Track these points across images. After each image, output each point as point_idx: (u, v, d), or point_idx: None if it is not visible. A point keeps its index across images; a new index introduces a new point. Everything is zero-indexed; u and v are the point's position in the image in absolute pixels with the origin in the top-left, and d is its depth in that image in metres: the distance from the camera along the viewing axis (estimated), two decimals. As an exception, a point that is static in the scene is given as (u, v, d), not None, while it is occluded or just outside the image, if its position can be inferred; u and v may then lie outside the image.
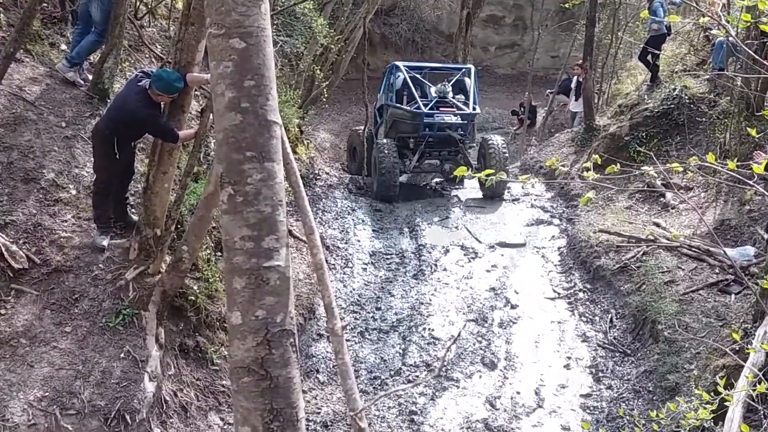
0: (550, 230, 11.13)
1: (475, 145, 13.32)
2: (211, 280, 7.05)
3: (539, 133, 16.69)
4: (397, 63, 13.48)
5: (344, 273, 9.69)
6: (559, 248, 10.45)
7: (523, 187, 12.75)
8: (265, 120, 2.17)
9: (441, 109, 12.56)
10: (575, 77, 15.23)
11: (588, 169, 4.18)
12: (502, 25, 24.58)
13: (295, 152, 12.22)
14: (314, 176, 12.74)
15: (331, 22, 14.72)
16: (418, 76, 13.43)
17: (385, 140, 12.57)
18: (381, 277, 9.69)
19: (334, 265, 9.79)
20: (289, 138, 11.87)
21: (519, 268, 10.02)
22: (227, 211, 2.16)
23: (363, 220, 11.39)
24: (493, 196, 12.50)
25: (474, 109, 12.76)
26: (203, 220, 5.99)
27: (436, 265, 9.98)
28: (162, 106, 6.06)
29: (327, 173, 13.38)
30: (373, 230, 11.05)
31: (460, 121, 12.59)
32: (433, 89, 13.11)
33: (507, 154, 12.64)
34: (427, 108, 12.50)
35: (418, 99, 12.71)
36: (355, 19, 15.21)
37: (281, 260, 2.15)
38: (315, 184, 12.44)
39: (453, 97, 12.92)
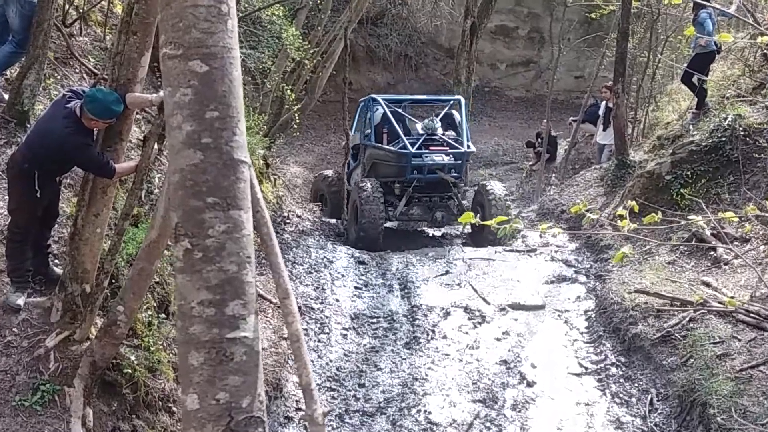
0: (574, 289, 11.15)
1: (468, 188, 13.82)
2: (152, 349, 7.01)
3: (560, 169, 16.86)
4: (375, 96, 13.93)
5: (319, 340, 9.65)
6: (585, 312, 10.47)
7: (541, 236, 12.83)
8: (230, 159, 2.21)
9: (430, 148, 13.05)
10: (604, 102, 15.46)
11: (622, 217, 4.25)
12: (515, 38, 25.03)
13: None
14: (283, 220, 12.78)
15: (304, 32, 14.96)
16: (399, 110, 14.01)
17: (367, 181, 12.88)
18: (365, 345, 9.65)
19: (306, 330, 9.75)
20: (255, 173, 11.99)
21: (536, 336, 10.00)
22: (183, 269, 2.17)
23: (343, 275, 11.38)
24: (483, 246, 12.86)
25: (468, 147, 13.22)
26: (144, 273, 5.99)
27: (433, 331, 9.96)
28: (95, 133, 6.11)
29: (299, 216, 13.43)
30: (356, 287, 11.03)
31: (453, 162, 13.06)
32: (419, 125, 13.71)
33: (509, 204, 13.21)
34: (414, 147, 12.92)
35: (403, 137, 13.16)
36: (335, 28, 15.45)
37: (249, 331, 2.16)
38: (284, 230, 12.48)
39: (443, 134, 13.49)
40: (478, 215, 12.99)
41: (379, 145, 13.37)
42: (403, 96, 16.37)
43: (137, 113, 7.83)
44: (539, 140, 17.89)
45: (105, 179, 6.14)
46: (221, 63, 2.21)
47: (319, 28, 15.52)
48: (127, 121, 6.16)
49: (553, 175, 16.69)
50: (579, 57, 22.65)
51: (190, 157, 2.18)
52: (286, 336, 9.24)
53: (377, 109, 13.76)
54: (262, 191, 12.40)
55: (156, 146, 6.42)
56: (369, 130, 13.73)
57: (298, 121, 14.55)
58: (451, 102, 14.32)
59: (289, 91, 13.96)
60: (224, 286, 2.16)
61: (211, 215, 2.17)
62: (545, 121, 17.56)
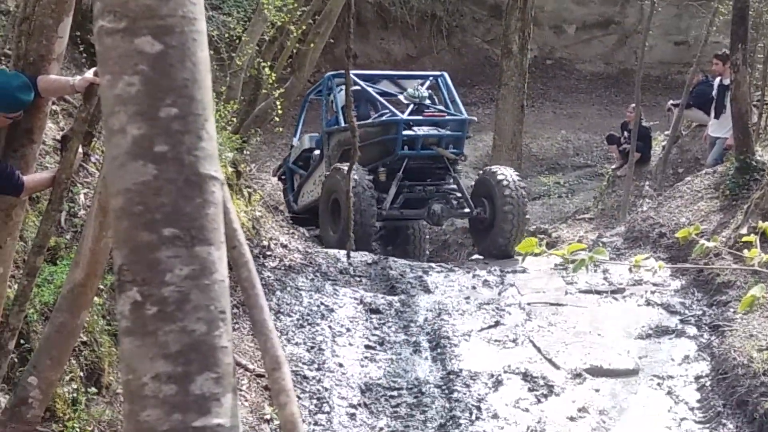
0: (680, 346, 11.12)
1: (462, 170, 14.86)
2: (79, 438, 7.05)
3: (657, 174, 16.85)
4: (335, 73, 14.78)
5: (316, 423, 9.65)
6: (697, 378, 10.43)
7: (631, 271, 12.82)
8: (195, 174, 2.21)
9: (425, 114, 14.28)
10: (718, 79, 15.45)
11: (749, 244, 4.25)
12: (589, -11, 25.12)
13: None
14: (262, 252, 12.81)
15: (289, -16, 15.02)
16: (368, 88, 15.09)
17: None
18: (382, 431, 9.65)
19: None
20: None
21: (627, 414, 9.96)
22: (130, 330, 2.18)
23: (348, 329, 11.39)
24: (503, 256, 13.42)
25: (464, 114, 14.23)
26: (66, 331, 6.02)
27: (479, 408, 9.94)
28: (-5, 131, 6.15)
29: (284, 246, 13.46)
30: (368, 346, 11.04)
31: (453, 132, 14.21)
32: (401, 96, 14.89)
33: (526, 196, 14.10)
34: (406, 114, 14.11)
35: (389, 105, 14.35)
36: (333, -21, 15.52)
37: (224, 416, 2.16)
38: (264, 266, 12.50)
39: (432, 105, 14.73)
40: (482, 210, 14.09)
41: (358, 122, 13.66)
42: (373, 72, 17.48)
43: (53, 103, 7.90)
44: (626, 134, 17.88)
45: (9, 197, 6.17)
46: (181, 40, 2.22)
47: (310, -22, 15.64)
48: (40, 116, 6.19)
49: (647, 182, 16.68)
50: (680, 15, 22.69)
51: (138, 172, 2.18)
52: (268, 418, 9.26)
53: (342, 89, 14.16)
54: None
55: (81, 150, 6.46)
56: (333, 115, 14.80)
57: (280, 110, 14.58)
58: (430, 78, 15.52)
59: (267, 69, 14.01)
60: (189, 354, 2.16)
61: (169, 254, 2.17)
62: (633, 106, 17.54)
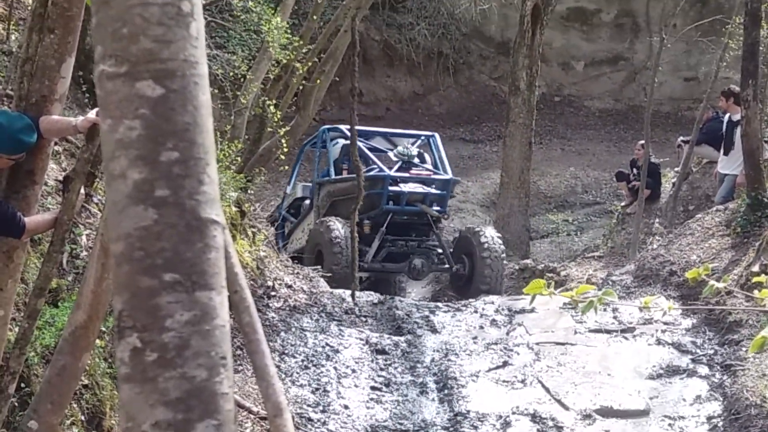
0: (692, 386, 11.10)
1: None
2: (81, 486, 7.03)
3: (667, 212, 16.86)
4: (332, 126, 15.79)
5: (321, 467, 9.65)
6: (709, 419, 10.40)
7: (641, 310, 12.80)
8: (196, 219, 2.22)
9: (411, 172, 15.15)
10: (727, 115, 15.48)
11: (760, 285, 4.26)
12: (597, 24, 25.22)
13: (231, 250, 12.37)
14: (266, 292, 12.83)
15: (294, 24, 15.14)
16: (361, 144, 15.55)
17: (334, 220, 14.20)
18: (388, 475, 9.64)
19: (302, 453, 9.75)
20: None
21: (639, 458, 9.95)
22: (130, 377, 2.19)
23: (354, 370, 11.38)
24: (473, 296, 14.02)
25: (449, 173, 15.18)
26: (67, 374, 6.02)
27: (487, 452, 9.94)
28: (-3, 173, 6.17)
29: (288, 286, 13.47)
30: (373, 387, 11.03)
31: (438, 192, 15.06)
32: (391, 153, 15.80)
33: (504, 255, 15.10)
34: (393, 170, 15.02)
35: (377, 161, 15.24)
36: (338, 17, 15.61)
37: (225, 465, 2.18)
38: (268, 307, 12.51)
39: (421, 163, 15.59)
40: (461, 267, 14.99)
41: (344, 176, 15.04)
42: (366, 128, 18.00)
43: (56, 143, 7.92)
44: (635, 171, 17.90)
45: (10, 239, 6.18)
46: (182, 83, 2.23)
47: (315, 17, 15.67)
48: (42, 156, 6.21)
49: (657, 220, 16.68)
50: (690, 51, 22.73)
51: (139, 217, 2.19)
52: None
53: (336, 142, 15.69)
54: (237, 251, 12.51)
55: (83, 191, 6.49)
56: (325, 167, 15.64)
57: (286, 149, 14.62)
58: (422, 138, 16.54)
59: (272, 107, 14.07)
60: (189, 401, 2.16)
61: (169, 299, 2.18)
62: (642, 143, 17.57)
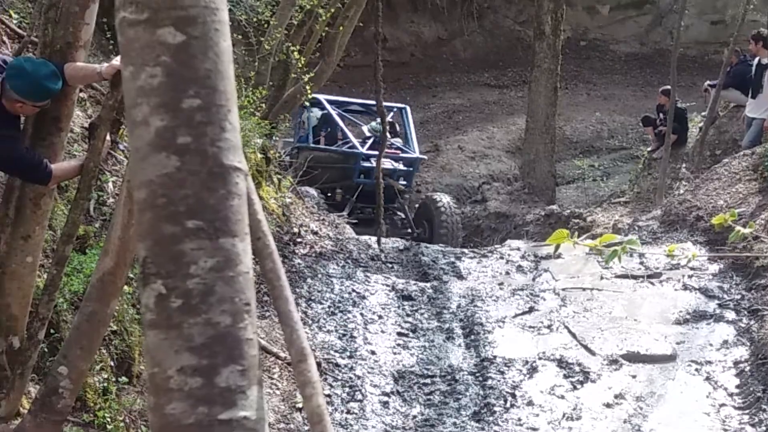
0: (719, 331, 11.08)
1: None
2: (110, 428, 7.07)
3: (693, 157, 16.77)
4: (317, 96, 16.52)
5: (348, 411, 9.68)
6: (736, 364, 10.38)
7: (666, 257, 12.77)
8: (218, 166, 2.22)
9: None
10: (756, 59, 15.33)
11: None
12: (623, -34, 24.94)
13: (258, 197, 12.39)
14: (292, 239, 12.86)
15: (318, -32, 15.00)
16: (339, 113, 17.71)
17: (309, 189, 15.37)
18: (415, 418, 9.65)
19: (330, 396, 9.80)
20: (250, 171, 12.06)
21: (665, 401, 9.93)
22: (155, 323, 2.20)
23: (380, 316, 11.42)
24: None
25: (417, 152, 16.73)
26: (96, 320, 6.07)
27: (513, 395, 9.94)
28: (22, 120, 6.19)
29: (314, 232, 13.51)
30: (400, 333, 11.06)
31: (404, 168, 16.67)
32: (365, 127, 17.62)
33: (459, 219, 16.84)
34: (365, 148, 16.51)
35: (351, 137, 16.77)
36: (362, -39, 15.50)
37: (250, 409, 2.17)
38: (294, 253, 12.55)
39: (392, 137, 17.00)
40: (422, 231, 16.59)
41: (323, 146, 16.70)
42: (345, 99, 19.67)
43: (81, 90, 7.93)
44: (661, 116, 17.79)
45: (37, 186, 6.21)
46: (203, 30, 2.22)
47: (339, -38, 15.59)
48: (68, 103, 6.22)
49: (684, 165, 16.59)
50: (717, -7, 22.47)
51: (161, 164, 2.19)
52: (300, 407, 9.28)
53: (314, 111, 17.14)
54: (262, 198, 12.52)
55: (109, 138, 6.49)
56: (305, 133, 17.18)
57: (310, 95, 14.61)
58: (395, 110, 17.93)
59: (296, 53, 14.02)
60: (214, 347, 2.17)
61: (192, 246, 2.18)
62: (663, 89, 17.44)
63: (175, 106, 2.21)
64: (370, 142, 16.86)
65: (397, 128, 17.93)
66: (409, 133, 17.63)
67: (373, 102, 19.29)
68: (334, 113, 17.31)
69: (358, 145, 16.67)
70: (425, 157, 17.48)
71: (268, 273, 2.48)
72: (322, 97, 17.22)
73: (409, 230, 16.87)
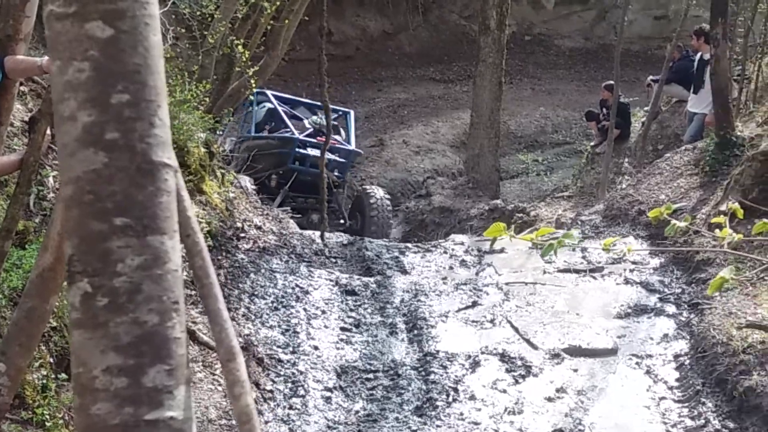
0: (659, 325, 11.17)
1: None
2: (49, 426, 7.02)
3: (636, 151, 16.90)
4: (257, 91, 16.98)
5: (290, 407, 9.65)
6: (676, 357, 10.47)
7: (606, 251, 12.84)
8: (147, 162, 2.20)
9: (318, 138, 16.74)
10: (698, 54, 15.45)
11: (720, 226, 4.26)
12: (567, -39, 25.08)
13: (201, 192, 12.29)
14: (236, 233, 12.80)
15: (262, -40, 14.93)
16: (283, 108, 18.11)
17: (243, 177, 15.41)
18: (357, 413, 9.65)
19: (272, 392, 9.76)
20: (190, 167, 12.03)
21: (606, 394, 9.99)
22: (81, 322, 2.17)
23: (324, 311, 11.41)
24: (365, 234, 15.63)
25: (353, 146, 17.44)
26: (35, 316, 6.00)
27: (456, 389, 9.96)
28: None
29: (258, 228, 13.46)
30: (343, 328, 11.06)
31: (340, 159, 17.14)
32: (306, 121, 17.85)
33: (390, 213, 17.39)
34: (302, 136, 16.98)
35: (290, 125, 17.23)
36: (307, -46, 15.45)
37: (177, 409, 2.15)
38: (237, 248, 12.49)
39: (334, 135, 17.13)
40: (354, 223, 17.05)
41: (262, 135, 17.33)
42: (292, 97, 20.02)
43: (21, 84, 7.85)
44: (604, 110, 17.91)
45: (-25, 182, 6.16)
46: (133, 24, 2.20)
47: (284, -46, 15.54)
48: (8, 97, 6.18)
49: (626, 159, 16.71)
50: (660, -12, 22.66)
51: (88, 160, 2.17)
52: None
53: (264, 106, 17.54)
54: (206, 192, 12.48)
55: (49, 132, 6.43)
56: (250, 126, 17.60)
57: (254, 89, 14.56)
58: (340, 113, 18.55)
59: (240, 47, 13.96)
60: (140, 346, 2.15)
61: (120, 244, 2.16)
62: (606, 84, 17.57)
63: (104, 102, 2.18)
64: (308, 131, 17.26)
65: (340, 129, 18.32)
66: (349, 136, 18.04)
67: (318, 102, 20.23)
68: (279, 108, 17.64)
69: (295, 131, 17.10)
70: (361, 151, 18.02)
71: (197, 270, 2.46)
72: (269, 93, 17.88)
73: (342, 221, 17.31)
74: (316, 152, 16.05)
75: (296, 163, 16.71)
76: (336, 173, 16.98)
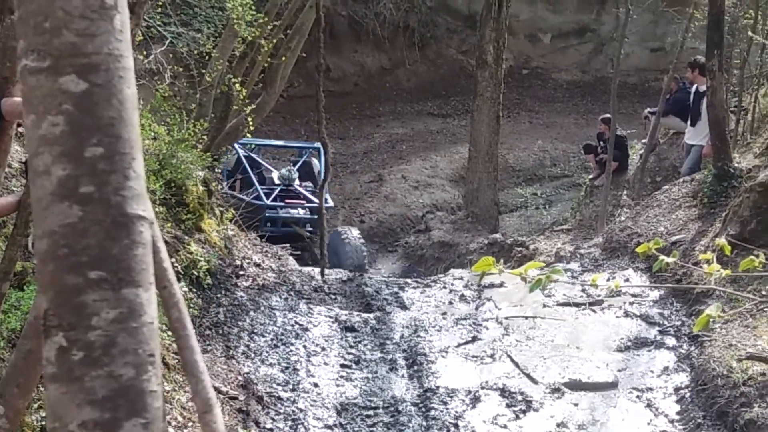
0: (660, 358, 11.15)
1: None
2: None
3: (634, 183, 16.90)
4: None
5: (290, 446, 9.65)
6: (677, 390, 10.45)
7: (608, 280, 12.83)
8: (122, 215, 2.20)
9: (286, 200, 17.59)
10: (695, 86, 15.49)
11: (708, 262, 4.26)
12: (564, -4, 25.18)
13: (200, 230, 12.32)
14: (235, 271, 12.81)
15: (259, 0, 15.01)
16: (255, 156, 18.83)
17: None
18: (357, 452, 9.65)
19: (272, 430, 9.74)
20: (188, 206, 12.05)
21: (607, 429, 9.96)
22: (56, 377, 2.17)
23: (323, 348, 11.39)
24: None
25: (326, 201, 16.93)
26: (33, 358, 5.96)
27: (456, 426, 9.93)
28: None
29: (257, 264, 13.47)
30: (343, 365, 11.04)
31: (310, 216, 17.51)
32: (275, 174, 18.21)
33: (365, 251, 17.78)
34: (269, 199, 17.33)
35: (258, 187, 17.57)
36: (303, -7, 15.53)
37: (153, 462, 2.16)
38: (236, 286, 12.50)
39: (300, 185, 18.13)
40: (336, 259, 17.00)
41: (232, 192, 17.44)
42: (264, 141, 20.87)
43: (19, 126, 7.86)
44: (602, 143, 17.93)
45: (-29, 225, 6.17)
46: (107, 77, 2.21)
47: (280, -7, 15.63)
48: (5, 138, 6.20)
49: (624, 192, 16.72)
50: (656, 21, 22.74)
51: (63, 213, 2.17)
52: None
53: (236, 154, 18.08)
54: (204, 230, 12.50)
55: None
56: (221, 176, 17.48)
57: (252, 126, 14.58)
58: (311, 150, 18.98)
59: (238, 85, 14.01)
60: (116, 400, 2.14)
61: (95, 297, 2.16)
62: (603, 118, 17.61)
63: (78, 155, 2.19)
64: (277, 191, 17.71)
65: (314, 169, 18.92)
66: (321, 176, 18.20)
67: (290, 143, 21.18)
68: (244, 160, 18.18)
69: (263, 195, 17.37)
70: (332, 204, 18.54)
71: (174, 323, 2.46)
72: (239, 143, 18.11)
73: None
74: (287, 211, 17.32)
75: (268, 224, 17.10)
76: (308, 228, 17.56)
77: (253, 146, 19.28)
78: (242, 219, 15.39)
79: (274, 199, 17.45)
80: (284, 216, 17.20)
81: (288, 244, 16.57)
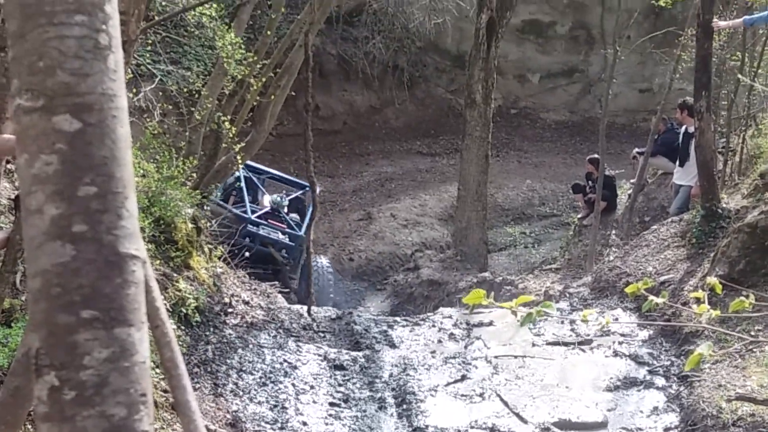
0: (649, 398, 11.13)
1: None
2: None
3: (623, 223, 16.92)
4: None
5: (278, 487, 9.60)
6: (666, 430, 10.42)
7: (586, 323, 12.84)
8: (114, 254, 2.20)
9: (270, 221, 18.09)
10: (683, 127, 15.54)
11: (698, 301, 4.26)
12: (552, 37, 25.31)
13: (188, 267, 12.29)
14: (223, 309, 12.78)
15: (248, 39, 15.06)
16: (254, 179, 19.28)
17: None
18: (346, 493, 9.60)
19: (260, 471, 9.71)
20: (177, 243, 12.03)
21: (597, 471, 9.97)
22: (48, 416, 2.16)
23: (312, 386, 11.35)
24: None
25: (300, 230, 18.12)
26: (21, 395, 5.92)
27: (445, 467, 9.92)
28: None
29: (246, 302, 13.44)
30: (332, 404, 10.99)
31: (288, 242, 17.99)
32: (267, 198, 18.84)
33: (332, 279, 18.77)
34: (255, 215, 17.85)
35: (248, 203, 18.12)
36: (293, 32, 15.59)
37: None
38: (225, 324, 12.46)
39: (287, 213, 18.65)
40: (300, 290, 17.91)
41: (223, 203, 17.96)
42: (263, 167, 20.89)
43: (8, 162, 7.87)
44: (591, 183, 17.98)
45: (-41, 261, 6.15)
46: (100, 117, 2.21)
47: (270, 32, 15.62)
48: (-7, 176, 6.19)
49: (613, 231, 16.73)
50: (644, 63, 22.84)
51: (56, 253, 2.17)
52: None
53: (234, 173, 17.90)
54: (193, 268, 12.47)
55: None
56: (217, 191, 17.63)
57: (241, 164, 14.59)
58: (306, 189, 19.06)
59: (227, 123, 14.02)
60: (108, 440, 2.14)
61: (87, 336, 2.15)
62: (590, 158, 17.66)
63: (71, 194, 2.19)
64: (264, 211, 18.28)
65: (305, 203, 19.61)
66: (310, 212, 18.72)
67: (286, 176, 21.29)
68: (243, 179, 18.70)
69: (249, 210, 17.89)
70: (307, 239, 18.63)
71: (166, 362, 2.45)
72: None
73: (287, 289, 17.76)
74: (266, 232, 17.73)
75: (247, 239, 17.30)
76: (283, 253, 17.91)
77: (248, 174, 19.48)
78: (222, 228, 15.67)
79: (259, 217, 17.94)
80: (263, 235, 17.65)
81: (261, 264, 16.96)
